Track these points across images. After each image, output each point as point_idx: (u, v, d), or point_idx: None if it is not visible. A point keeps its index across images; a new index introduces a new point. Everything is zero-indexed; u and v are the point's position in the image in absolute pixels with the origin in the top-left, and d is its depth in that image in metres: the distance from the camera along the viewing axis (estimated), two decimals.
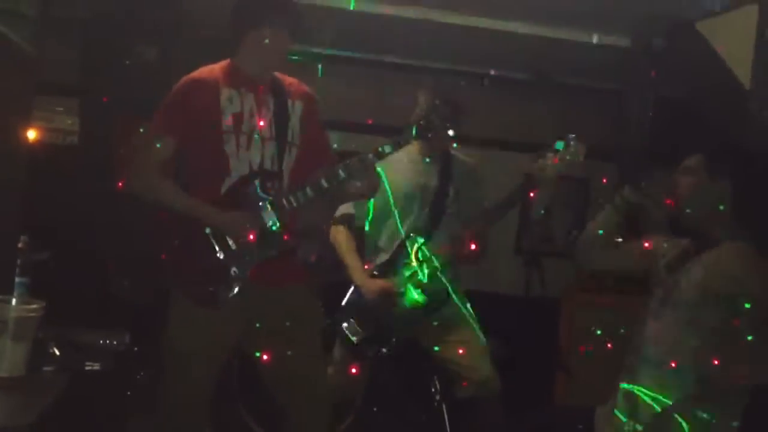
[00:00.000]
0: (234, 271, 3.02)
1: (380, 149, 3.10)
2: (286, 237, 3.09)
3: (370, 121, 5.21)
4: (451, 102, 3.76)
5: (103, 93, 5.17)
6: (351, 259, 3.93)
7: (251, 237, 3.00)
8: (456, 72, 6.04)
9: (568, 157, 3.61)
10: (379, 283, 3.85)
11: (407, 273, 3.86)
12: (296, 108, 3.22)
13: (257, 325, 3.11)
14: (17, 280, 2.81)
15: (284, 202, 3.07)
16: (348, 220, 4.01)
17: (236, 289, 3.03)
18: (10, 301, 2.59)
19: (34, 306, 2.63)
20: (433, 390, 4.77)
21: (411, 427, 4.74)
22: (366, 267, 3.97)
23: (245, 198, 3.08)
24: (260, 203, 3.07)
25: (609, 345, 4.10)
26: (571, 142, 3.63)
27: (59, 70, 5.18)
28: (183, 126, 3.06)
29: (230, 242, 3.02)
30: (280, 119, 3.17)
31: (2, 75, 2.95)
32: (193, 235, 3.04)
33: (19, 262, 2.89)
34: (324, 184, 3.07)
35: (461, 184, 3.99)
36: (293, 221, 3.14)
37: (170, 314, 3.11)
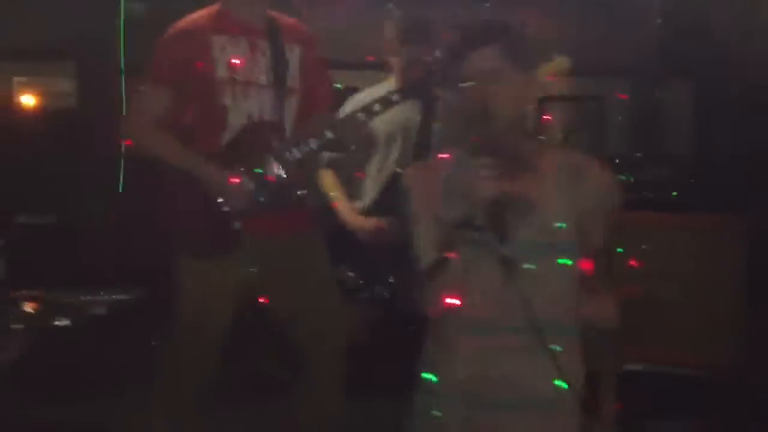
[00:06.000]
0: (237, 223, 2.95)
1: (372, 108, 2.97)
2: (289, 188, 3.00)
3: (371, 59, 5.07)
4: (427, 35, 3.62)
5: (99, 54, 5.17)
6: (339, 200, 3.83)
7: (243, 197, 2.92)
8: None
9: (552, 71, 3.46)
10: (369, 220, 3.75)
11: None
12: (295, 51, 3.04)
13: (263, 274, 3.04)
14: None
15: (287, 153, 2.97)
16: (334, 163, 3.91)
17: (240, 241, 2.96)
18: None
19: None
20: None
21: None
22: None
23: (246, 150, 2.95)
24: (262, 155, 2.97)
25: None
26: (555, 58, 3.47)
27: (55, 33, 5.19)
28: (174, 78, 2.91)
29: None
30: (278, 65, 2.99)
31: None
32: (195, 189, 2.96)
33: None
34: (329, 135, 2.96)
35: (445, 119, 3.85)
36: (296, 172, 3.05)
37: (176, 268, 3.05)
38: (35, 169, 4.50)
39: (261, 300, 3.11)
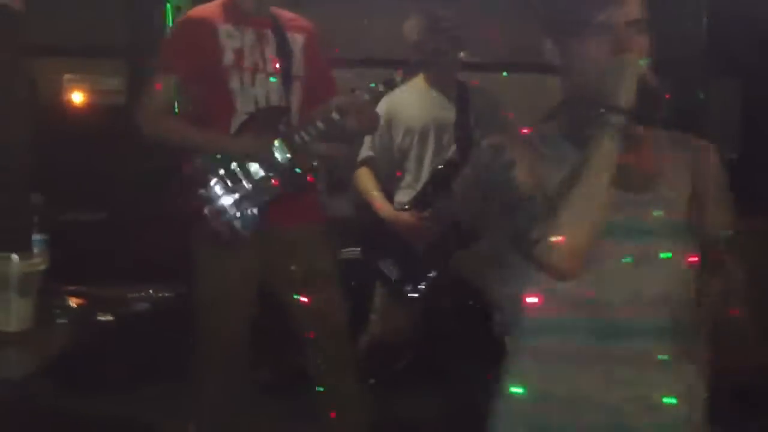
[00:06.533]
0: (250, 210, 3.01)
1: (373, 85, 3.02)
2: (299, 173, 3.05)
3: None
4: (448, 26, 3.64)
5: (148, 53, 5.23)
6: (376, 197, 3.87)
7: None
8: None
9: None
10: (409, 215, 3.78)
11: None
12: (297, 41, 3.19)
13: (275, 263, 3.11)
14: (35, 237, 2.86)
15: (296, 137, 3.03)
16: (370, 162, 3.94)
17: (254, 228, 3.02)
18: (11, 258, 2.62)
19: (37, 260, 2.67)
20: (494, 322, 4.69)
21: (474, 360, 4.66)
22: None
23: (255, 136, 3.06)
24: (271, 140, 3.03)
25: None
26: None
27: (106, 31, 5.27)
28: (184, 66, 3.05)
29: (244, 182, 3.02)
30: (283, 53, 3.14)
31: None
32: (208, 179, 3.03)
33: (36, 219, 2.94)
34: (335, 116, 3.01)
35: (481, 112, 3.87)
36: (306, 156, 3.10)
37: (194, 262, 3.12)
38: (84, 166, 4.59)
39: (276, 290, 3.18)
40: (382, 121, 3.70)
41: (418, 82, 3.89)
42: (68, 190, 4.39)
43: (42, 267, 2.66)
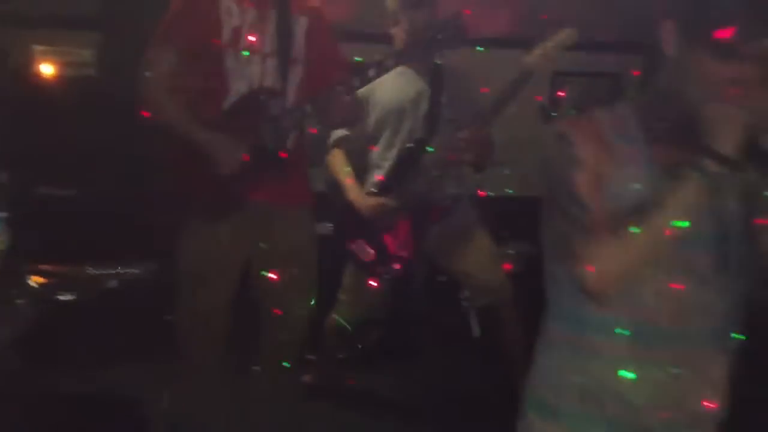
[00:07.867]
0: (237, 188, 2.99)
1: (367, 74, 2.99)
2: (284, 155, 3.03)
3: None
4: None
5: (122, 25, 5.15)
6: (346, 179, 3.85)
7: (241, 159, 2.95)
8: None
9: (559, 43, 3.46)
10: (374, 200, 3.77)
11: None
12: (301, 23, 3.13)
13: (259, 242, 3.12)
14: None
15: (284, 121, 3.00)
16: (343, 143, 3.91)
17: (240, 206, 3.02)
18: None
19: None
20: (461, 297, 4.73)
21: (441, 334, 4.70)
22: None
23: (246, 117, 3.02)
24: (261, 122, 3.00)
25: None
26: (564, 30, 3.48)
27: (75, 3, 5.18)
28: (182, 39, 2.99)
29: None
30: (283, 34, 3.08)
31: None
32: (198, 155, 2.99)
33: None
34: (323, 103, 3.00)
35: (453, 88, 3.84)
36: (294, 139, 3.10)
37: (182, 236, 3.11)
38: (51, 140, 4.52)
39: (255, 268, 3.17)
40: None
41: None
42: (35, 165, 4.32)
43: (1, 247, 2.62)
